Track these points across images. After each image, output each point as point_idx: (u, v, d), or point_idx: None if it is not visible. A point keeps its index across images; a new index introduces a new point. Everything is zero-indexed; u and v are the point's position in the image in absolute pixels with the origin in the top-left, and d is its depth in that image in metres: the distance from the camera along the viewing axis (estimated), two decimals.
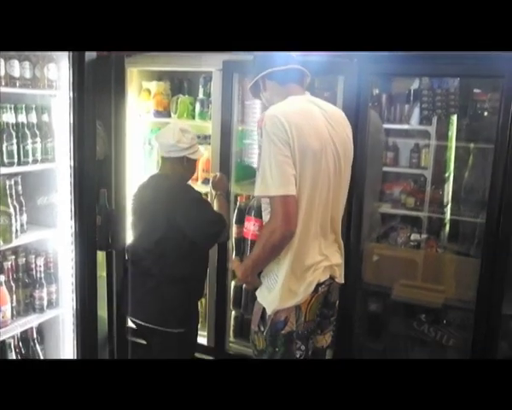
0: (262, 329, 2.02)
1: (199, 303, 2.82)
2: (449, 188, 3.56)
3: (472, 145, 3.40)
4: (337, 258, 2.08)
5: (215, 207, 2.70)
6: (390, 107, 3.69)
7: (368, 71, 2.67)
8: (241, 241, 2.43)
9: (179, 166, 2.62)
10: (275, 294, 1.95)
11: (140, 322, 2.67)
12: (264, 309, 2.00)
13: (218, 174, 2.86)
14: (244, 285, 3.12)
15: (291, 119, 1.83)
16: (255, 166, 3.33)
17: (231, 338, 3.29)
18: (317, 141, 1.87)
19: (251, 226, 2.12)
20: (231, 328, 3.29)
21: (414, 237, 3.31)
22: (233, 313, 3.27)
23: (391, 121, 3.65)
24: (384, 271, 3.13)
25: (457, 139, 3.42)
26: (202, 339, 3.20)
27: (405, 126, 3.62)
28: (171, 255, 2.55)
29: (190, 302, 2.69)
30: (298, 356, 2.02)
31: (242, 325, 3.27)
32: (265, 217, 1.99)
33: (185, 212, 2.51)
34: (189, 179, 2.74)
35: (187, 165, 2.63)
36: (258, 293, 2.05)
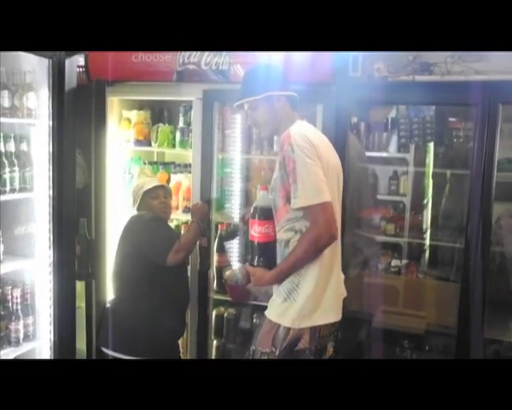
0: (274, 350, 1.98)
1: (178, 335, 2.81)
2: (428, 214, 3.59)
3: (449, 172, 3.45)
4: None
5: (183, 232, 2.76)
6: (368, 135, 3.71)
7: (346, 99, 2.71)
8: (248, 246, 2.36)
9: (147, 205, 2.78)
10: (296, 307, 1.95)
11: (109, 352, 2.64)
12: (278, 328, 1.97)
13: (200, 202, 2.86)
14: (226, 314, 3.13)
15: (313, 137, 1.97)
16: (234, 194, 3.34)
17: None
18: (333, 160, 2.05)
19: (257, 229, 2.05)
20: (213, 358, 3.24)
21: (394, 262, 3.32)
22: (215, 342, 3.23)
23: (369, 149, 3.68)
24: (365, 297, 3.12)
25: (435, 166, 3.47)
26: None
27: (384, 154, 3.65)
28: (136, 277, 2.62)
29: (161, 330, 2.65)
30: None
31: (224, 354, 3.23)
32: (299, 225, 1.97)
33: (139, 230, 2.65)
34: (161, 214, 2.82)
35: (150, 201, 2.78)
36: (270, 311, 2.03)
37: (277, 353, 1.97)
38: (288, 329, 1.96)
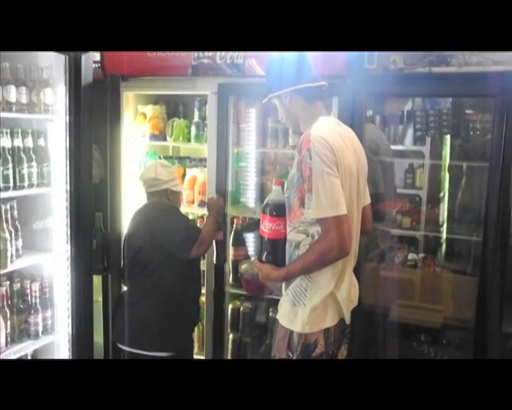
0: (291, 355, 1.94)
1: (193, 330, 2.83)
2: (444, 207, 3.56)
3: (465, 164, 3.42)
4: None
5: (200, 224, 2.76)
6: (384, 128, 3.71)
7: (362, 92, 2.69)
8: (258, 240, 2.32)
9: (164, 199, 2.71)
10: (305, 312, 1.91)
11: (123, 347, 2.66)
12: (291, 333, 1.94)
13: (215, 196, 2.86)
14: (241, 308, 3.13)
15: (333, 140, 1.86)
16: (249, 188, 3.34)
17: None
18: (353, 162, 1.94)
19: (268, 224, 1.99)
20: (229, 351, 3.25)
21: (411, 256, 3.31)
22: (231, 336, 3.24)
23: None
24: (381, 291, 3.11)
25: (451, 159, 3.45)
26: None
27: (399, 147, 3.64)
28: (147, 269, 2.60)
29: (175, 324, 2.65)
30: None
31: (240, 348, 3.23)
32: (312, 230, 1.90)
33: (160, 221, 2.61)
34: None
35: (171, 197, 2.73)
36: (281, 316, 2.00)
37: (294, 358, 1.94)
38: (301, 334, 1.92)
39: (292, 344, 1.94)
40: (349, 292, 1.98)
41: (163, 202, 2.70)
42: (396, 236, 3.50)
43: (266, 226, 2.00)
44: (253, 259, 2.99)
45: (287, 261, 2.00)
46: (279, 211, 1.98)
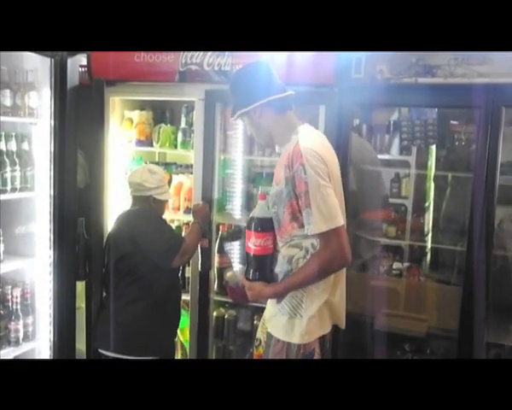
0: None
1: (176, 335, 2.81)
2: (429, 217, 3.58)
3: (450, 175, 3.44)
4: None
5: (184, 233, 2.74)
6: (370, 137, 3.72)
7: (349, 101, 2.70)
8: (244, 248, 2.20)
9: (147, 205, 2.67)
10: (303, 323, 1.89)
11: (106, 353, 2.62)
12: (288, 345, 1.91)
13: (201, 203, 2.85)
14: (226, 316, 3.11)
15: (322, 151, 1.86)
16: (235, 195, 3.33)
17: None
18: (338, 170, 1.97)
19: (254, 241, 1.93)
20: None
21: (396, 265, 3.31)
22: (215, 344, 3.21)
23: None
24: (366, 300, 3.11)
25: (436, 169, 3.46)
26: None
27: (386, 156, 3.65)
28: (130, 275, 2.57)
29: (159, 329, 2.63)
30: None
31: (225, 355, 3.21)
32: (306, 243, 1.88)
33: (142, 230, 2.58)
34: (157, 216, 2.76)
35: (154, 205, 2.69)
36: (276, 330, 1.96)
37: None
38: (299, 345, 1.90)
39: (290, 356, 1.91)
40: (344, 298, 2.01)
41: (146, 209, 2.67)
42: (381, 245, 3.50)
43: (253, 243, 1.94)
44: (236, 269, 2.97)
45: (280, 276, 1.96)
46: (265, 226, 1.94)
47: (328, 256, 1.81)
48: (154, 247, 2.54)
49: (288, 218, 1.88)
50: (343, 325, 2.05)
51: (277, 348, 1.94)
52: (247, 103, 1.95)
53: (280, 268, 1.96)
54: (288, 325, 1.92)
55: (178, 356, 3.26)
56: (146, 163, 3.43)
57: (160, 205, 2.73)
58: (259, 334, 2.15)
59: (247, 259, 2.02)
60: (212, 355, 3.21)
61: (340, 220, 1.80)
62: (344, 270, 2.00)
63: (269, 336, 2.00)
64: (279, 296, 1.94)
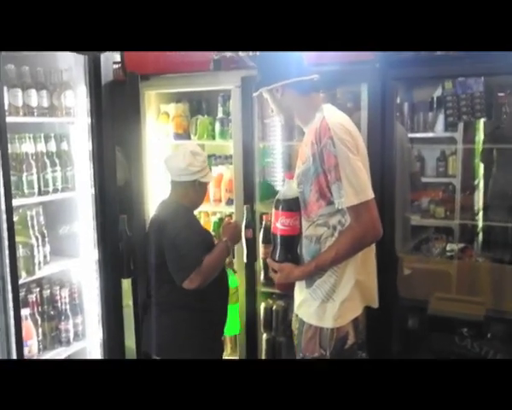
0: (323, 353, 1.90)
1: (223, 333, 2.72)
2: (479, 194, 3.45)
3: (499, 148, 3.31)
4: None
5: (225, 226, 2.65)
6: (413, 116, 3.64)
7: (391, 76, 2.58)
8: (271, 238, 2.13)
9: (190, 191, 2.51)
10: (335, 307, 1.87)
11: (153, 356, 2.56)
12: (321, 331, 1.90)
13: (232, 222, 2.76)
14: (274, 307, 3.05)
15: (350, 125, 1.88)
16: (278, 184, 3.27)
17: None
18: (364, 146, 1.95)
19: (283, 221, 1.90)
20: (263, 351, 3.17)
21: (450, 247, 3.19)
22: (264, 335, 3.16)
23: (414, 130, 3.59)
24: (418, 284, 3.00)
25: (485, 143, 3.33)
26: None
27: (430, 134, 3.55)
28: (168, 281, 2.43)
29: (207, 330, 2.53)
30: None
31: (274, 347, 3.15)
32: (333, 221, 1.87)
33: (167, 234, 2.40)
34: (198, 204, 2.63)
35: (198, 188, 2.53)
36: (308, 315, 1.94)
37: (328, 354, 1.90)
38: (333, 329, 1.89)
39: (324, 341, 1.90)
40: (374, 277, 2.00)
41: (186, 199, 2.51)
42: (433, 226, 3.39)
43: (281, 223, 1.91)
44: None
45: (306, 258, 1.95)
46: (294, 206, 1.92)
47: (360, 230, 1.80)
48: (169, 258, 2.39)
49: (315, 196, 1.87)
50: (376, 304, 2.03)
51: (310, 334, 1.93)
52: (269, 81, 1.97)
53: (307, 249, 1.94)
54: (319, 310, 1.90)
55: (228, 351, 3.22)
56: None
57: (203, 188, 2.58)
58: (293, 325, 2.13)
59: (273, 240, 1.99)
60: (262, 348, 3.16)
61: (371, 193, 1.80)
62: (372, 247, 1.98)
63: (300, 322, 1.98)
64: (309, 277, 1.92)
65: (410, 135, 3.58)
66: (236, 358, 3.13)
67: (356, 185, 1.77)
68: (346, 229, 1.84)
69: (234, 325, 3.05)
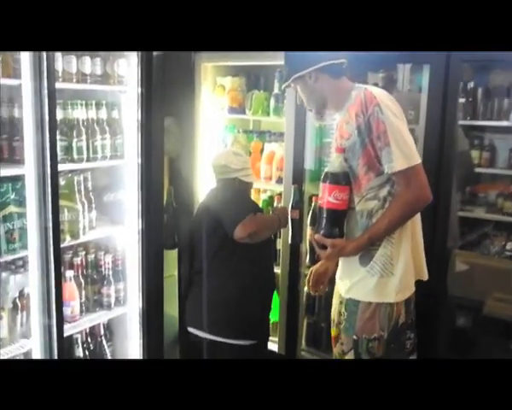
0: (382, 333, 1.88)
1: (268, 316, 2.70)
2: None
3: None
4: None
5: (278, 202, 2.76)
6: (487, 102, 3.39)
7: (459, 57, 2.37)
8: (316, 212, 2.12)
9: (232, 188, 2.59)
10: (396, 279, 1.86)
11: (195, 332, 2.59)
12: (380, 308, 1.88)
13: (281, 207, 2.81)
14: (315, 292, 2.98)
15: (390, 95, 1.89)
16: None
17: (303, 346, 3.11)
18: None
19: (333, 194, 1.86)
20: (303, 336, 3.12)
21: (510, 246, 2.96)
22: (306, 319, 3.09)
23: (487, 118, 3.36)
24: (474, 282, 2.81)
25: None
26: (273, 346, 3.05)
27: (504, 123, 3.30)
28: (221, 251, 2.50)
29: (258, 309, 2.56)
30: (408, 346, 1.95)
31: (316, 332, 3.08)
32: (383, 193, 1.86)
33: (222, 200, 2.53)
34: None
35: (239, 187, 2.60)
36: (366, 294, 1.90)
37: (386, 335, 1.89)
38: (392, 305, 1.88)
39: (383, 320, 1.88)
40: (422, 247, 1.98)
41: (231, 185, 2.60)
42: (493, 222, 3.16)
43: (331, 196, 1.87)
44: None
45: (358, 233, 1.91)
46: (344, 179, 1.87)
47: (411, 195, 1.81)
48: (224, 213, 2.45)
49: (363, 170, 1.86)
50: (426, 277, 2.01)
51: (368, 313, 1.89)
52: (302, 67, 1.95)
53: (359, 225, 1.91)
54: (379, 285, 1.88)
55: None
56: (238, 131, 3.36)
57: (246, 187, 2.65)
58: (333, 314, 2.08)
59: (321, 215, 1.93)
60: (303, 332, 3.10)
61: (419, 158, 1.81)
62: (418, 216, 1.94)
63: (353, 304, 1.93)
64: (363, 250, 1.89)
65: (482, 123, 3.40)
66: (276, 339, 3.09)
67: (405, 150, 1.77)
68: (396, 196, 1.84)
69: (274, 311, 3.01)
